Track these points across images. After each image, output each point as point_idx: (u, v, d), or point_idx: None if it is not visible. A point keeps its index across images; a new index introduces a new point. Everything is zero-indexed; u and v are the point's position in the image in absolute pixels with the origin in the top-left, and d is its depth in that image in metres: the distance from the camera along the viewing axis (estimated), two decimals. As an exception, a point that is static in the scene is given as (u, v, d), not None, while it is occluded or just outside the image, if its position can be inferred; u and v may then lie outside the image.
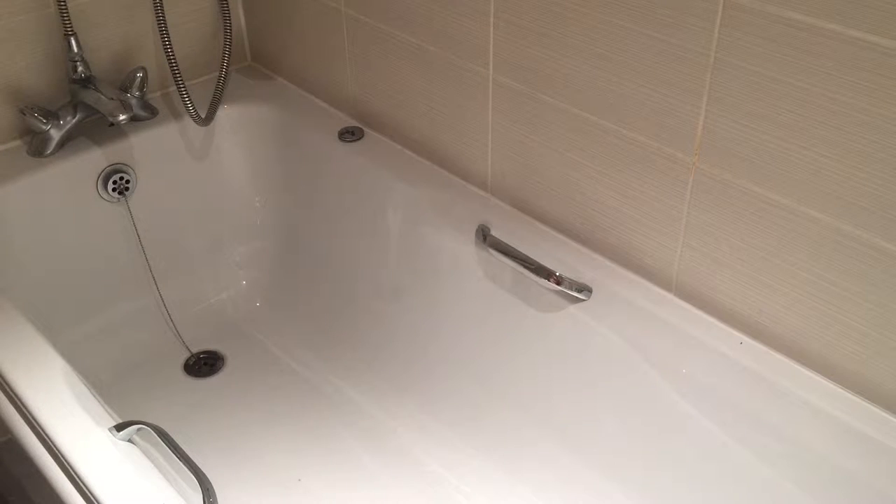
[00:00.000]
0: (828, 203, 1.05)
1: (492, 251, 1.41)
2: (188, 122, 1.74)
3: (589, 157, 1.31)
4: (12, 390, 1.13)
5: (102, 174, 1.65)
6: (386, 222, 1.61)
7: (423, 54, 1.49)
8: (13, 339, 1.21)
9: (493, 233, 1.43)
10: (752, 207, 1.13)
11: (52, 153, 1.60)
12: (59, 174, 1.60)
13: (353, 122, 1.72)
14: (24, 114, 1.57)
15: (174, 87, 1.79)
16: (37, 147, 1.61)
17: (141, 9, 1.70)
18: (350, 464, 1.51)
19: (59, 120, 1.60)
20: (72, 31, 1.57)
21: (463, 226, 1.48)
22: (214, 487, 1.06)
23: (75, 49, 1.58)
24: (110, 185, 1.66)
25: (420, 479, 1.48)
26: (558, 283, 1.32)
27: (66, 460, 1.04)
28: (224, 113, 1.77)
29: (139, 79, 1.65)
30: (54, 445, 1.06)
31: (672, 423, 1.26)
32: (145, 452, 1.08)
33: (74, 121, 1.61)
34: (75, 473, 1.02)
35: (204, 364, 1.73)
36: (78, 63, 1.58)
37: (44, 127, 1.58)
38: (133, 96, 1.66)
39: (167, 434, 1.12)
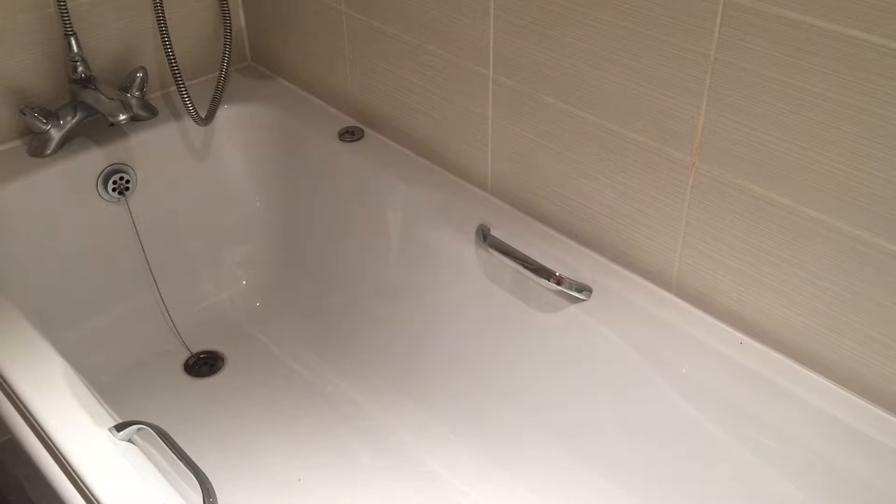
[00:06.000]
0: (828, 203, 1.05)
1: (492, 251, 1.41)
2: (188, 122, 1.74)
3: (589, 157, 1.31)
4: (12, 390, 1.13)
5: (102, 174, 1.65)
6: (386, 222, 1.61)
7: (423, 54, 1.49)
8: (13, 339, 1.21)
9: (493, 233, 1.43)
10: (751, 207, 1.13)
11: (52, 153, 1.60)
12: (59, 174, 1.60)
13: (353, 122, 1.72)
14: (24, 114, 1.57)
15: (174, 87, 1.79)
16: (37, 147, 1.61)
17: (141, 9, 1.70)
18: (350, 464, 1.51)
19: (59, 120, 1.60)
20: (72, 31, 1.57)
21: (463, 226, 1.48)
22: (214, 487, 1.06)
23: (75, 49, 1.58)
24: (110, 185, 1.66)
25: (420, 479, 1.48)
26: (558, 283, 1.32)
27: (65, 460, 1.04)
28: (224, 113, 1.77)
29: (139, 79, 1.65)
30: (54, 445, 1.06)
31: (672, 423, 1.26)
32: (145, 452, 1.08)
33: (74, 121, 1.61)
34: (75, 473, 1.02)
35: (204, 364, 1.73)
36: (78, 63, 1.58)
37: (44, 127, 1.58)
38: (133, 96, 1.66)
39: (167, 434, 1.12)
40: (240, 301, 1.85)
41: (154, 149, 1.71)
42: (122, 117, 1.49)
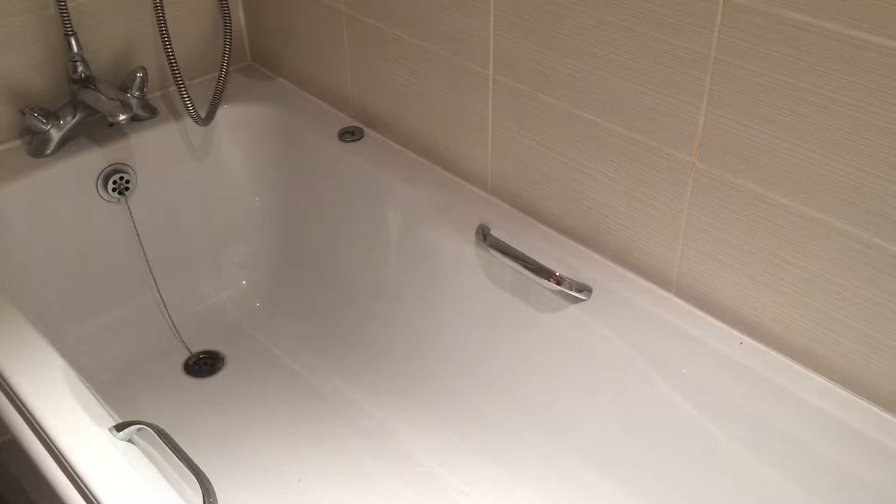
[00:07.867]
0: (828, 203, 1.05)
1: (492, 251, 1.41)
2: (188, 122, 1.74)
3: (589, 157, 1.31)
4: (12, 390, 1.13)
5: (102, 174, 1.65)
6: (386, 222, 1.61)
7: (423, 54, 1.49)
8: (13, 339, 1.20)
9: (493, 233, 1.43)
10: (752, 207, 1.13)
11: (52, 153, 1.60)
12: (59, 174, 1.60)
13: (353, 122, 1.72)
14: (24, 114, 1.57)
15: (174, 87, 1.79)
16: (37, 147, 1.61)
17: (141, 9, 1.70)
18: (350, 464, 1.51)
19: (59, 120, 1.60)
20: (72, 31, 1.57)
21: (463, 226, 1.48)
22: (214, 487, 1.06)
23: (75, 49, 1.58)
24: (110, 185, 1.66)
25: (420, 480, 1.48)
26: (558, 283, 1.32)
27: (65, 460, 1.04)
28: (224, 113, 1.77)
29: (139, 79, 1.65)
30: (54, 445, 1.06)
31: (672, 423, 1.26)
32: (145, 452, 1.08)
33: (74, 121, 1.61)
34: (75, 473, 1.02)
35: (204, 364, 1.73)
36: (78, 63, 1.58)
37: (44, 127, 1.58)
38: (133, 96, 1.66)
39: (167, 434, 1.12)
40: (240, 301, 1.85)
41: (154, 149, 1.71)
42: (121, 117, 1.49)
